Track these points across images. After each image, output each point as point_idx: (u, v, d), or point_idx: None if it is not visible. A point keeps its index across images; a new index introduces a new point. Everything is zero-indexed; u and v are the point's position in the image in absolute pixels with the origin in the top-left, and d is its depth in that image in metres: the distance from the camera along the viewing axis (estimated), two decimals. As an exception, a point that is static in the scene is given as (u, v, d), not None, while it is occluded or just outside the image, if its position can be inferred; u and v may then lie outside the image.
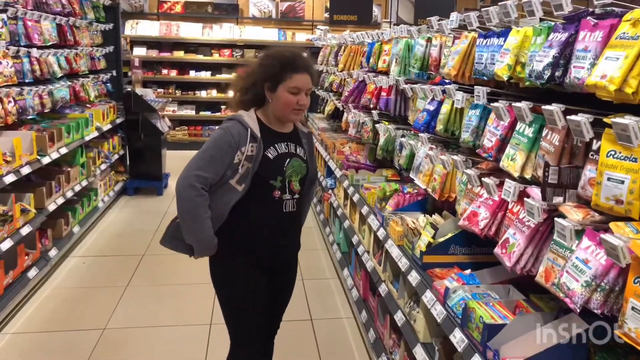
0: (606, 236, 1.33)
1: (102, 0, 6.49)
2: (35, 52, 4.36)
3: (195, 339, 3.43)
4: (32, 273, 3.84)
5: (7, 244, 3.42)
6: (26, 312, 3.69)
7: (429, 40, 2.94)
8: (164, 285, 4.23)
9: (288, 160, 2.24)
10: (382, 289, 3.04)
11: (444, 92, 2.56)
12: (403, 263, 2.62)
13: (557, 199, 1.66)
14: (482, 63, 2.15)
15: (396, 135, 3.42)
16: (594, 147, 1.52)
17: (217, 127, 8.54)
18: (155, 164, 6.60)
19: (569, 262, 1.49)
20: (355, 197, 3.81)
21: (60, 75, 4.88)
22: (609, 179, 1.39)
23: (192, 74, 9.69)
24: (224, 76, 9.70)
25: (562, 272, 1.50)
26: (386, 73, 3.81)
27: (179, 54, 9.58)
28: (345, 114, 5.05)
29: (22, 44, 4.23)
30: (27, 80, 4.26)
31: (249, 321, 2.26)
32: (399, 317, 2.69)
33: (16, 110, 3.96)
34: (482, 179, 2.03)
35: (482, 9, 2.19)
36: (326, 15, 9.92)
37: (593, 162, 1.51)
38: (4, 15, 3.85)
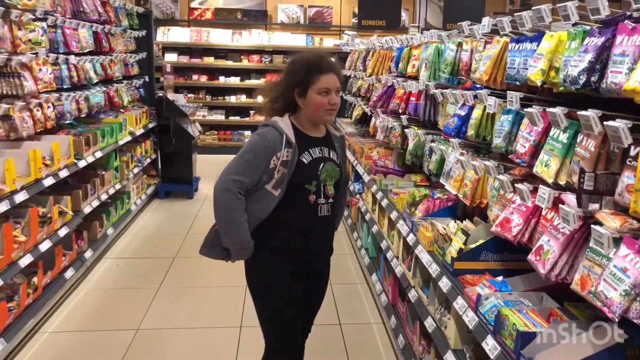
0: (645, 244, 1.31)
1: (136, 8, 6.65)
2: (73, 59, 4.50)
3: (226, 341, 3.47)
4: (68, 273, 3.95)
5: (46, 245, 3.53)
6: (63, 312, 3.80)
7: (459, 45, 2.93)
8: (195, 287, 4.30)
9: (322, 164, 2.26)
10: (412, 294, 3.03)
11: (475, 97, 2.54)
12: (433, 269, 2.61)
13: (593, 206, 1.63)
14: (514, 68, 2.14)
15: (426, 140, 3.41)
16: (632, 153, 1.50)
17: (245, 131, 8.62)
18: (186, 168, 6.71)
19: (606, 270, 1.47)
20: (384, 202, 3.81)
21: (96, 81, 5.02)
22: (648, 186, 1.37)
23: (222, 79, 9.83)
24: (252, 82, 9.81)
25: (599, 280, 1.48)
26: (415, 78, 3.81)
27: (209, 60, 9.74)
28: (373, 119, 5.05)
29: (60, 51, 4.37)
30: (65, 86, 4.40)
31: (284, 326, 2.29)
32: (429, 324, 2.68)
33: (55, 115, 4.09)
34: (516, 185, 2.01)
35: (515, 14, 2.18)
36: (354, 20, 9.95)
37: (631, 168, 1.49)
38: (44, 24, 3.98)
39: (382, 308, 3.77)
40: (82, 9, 4.94)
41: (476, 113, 2.53)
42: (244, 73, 9.87)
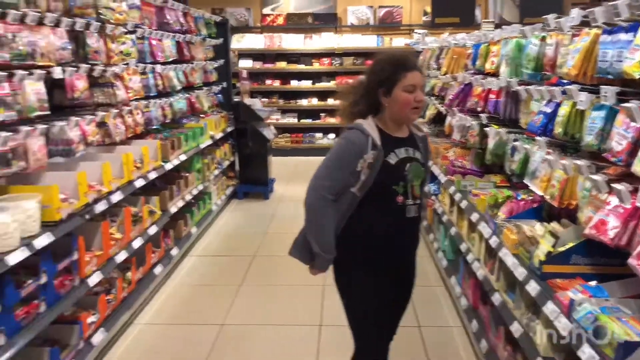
0: None
1: (214, 17, 6.92)
2: (158, 68, 4.76)
3: (306, 339, 3.55)
4: (157, 269, 4.18)
5: (138, 242, 3.76)
6: (154, 306, 4.04)
7: (542, 39, 2.84)
8: (275, 285, 4.42)
9: (409, 164, 2.27)
10: (496, 298, 2.96)
11: (564, 92, 2.45)
12: (520, 272, 2.54)
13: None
14: (607, 61, 2.04)
15: (508, 139, 3.32)
16: None
17: (316, 133, 8.73)
18: (262, 170, 6.92)
19: None
20: (463, 204, 3.74)
21: (178, 88, 5.28)
22: None
23: (294, 83, 10.02)
24: (323, 84, 9.93)
25: None
26: (494, 75, 3.71)
27: (282, 65, 9.96)
28: (448, 118, 4.97)
29: (147, 61, 4.64)
30: (151, 94, 4.66)
31: (374, 328, 2.32)
32: (515, 329, 2.60)
33: (143, 121, 4.34)
34: (612, 185, 1.93)
35: (608, 4, 2.08)
36: (424, 19, 9.82)
37: None
38: (133, 36, 4.24)
39: (462, 311, 3.71)
40: (166, 21, 5.20)
41: (564, 110, 2.44)
42: (315, 76, 10.02)
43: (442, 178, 4.53)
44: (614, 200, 1.96)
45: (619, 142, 1.95)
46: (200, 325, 3.75)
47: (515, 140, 3.20)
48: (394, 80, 2.20)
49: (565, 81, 2.57)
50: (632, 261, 1.75)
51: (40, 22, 2.95)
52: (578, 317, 1.97)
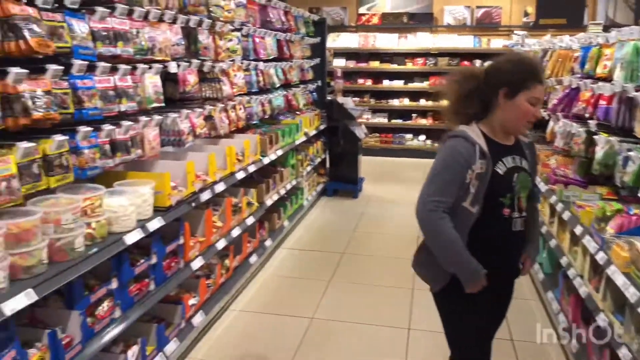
0: None
1: (312, 17, 7.06)
2: (261, 65, 4.94)
3: (394, 341, 3.55)
4: (253, 259, 4.35)
5: (237, 232, 3.94)
6: (248, 293, 4.21)
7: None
8: (363, 284, 4.45)
9: (516, 174, 2.13)
10: (601, 319, 2.77)
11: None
12: (631, 293, 2.37)
13: None
14: None
15: (620, 148, 3.12)
16: None
17: (406, 134, 8.63)
18: (352, 168, 6.98)
19: None
20: (566, 215, 3.55)
21: (277, 85, 5.45)
22: None
23: (386, 82, 9.98)
24: (416, 84, 9.82)
25: None
26: (606, 79, 3.51)
27: (375, 64, 9.96)
28: (551, 124, 4.75)
29: (250, 58, 4.83)
30: (253, 90, 4.84)
31: (474, 345, 2.23)
32: (623, 353, 2.44)
33: (245, 116, 4.53)
34: None
35: None
36: (525, 19, 9.42)
37: None
38: (239, 34, 4.44)
39: (560, 329, 3.51)
40: (268, 19, 5.39)
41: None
42: (408, 76, 9.92)
43: (543, 187, 4.33)
44: None
45: None
46: (290, 316, 3.86)
47: (629, 150, 3.01)
48: (522, 86, 2.05)
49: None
50: None
51: (160, 19, 3.18)
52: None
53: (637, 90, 2.98)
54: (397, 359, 3.36)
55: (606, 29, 4.05)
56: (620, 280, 2.51)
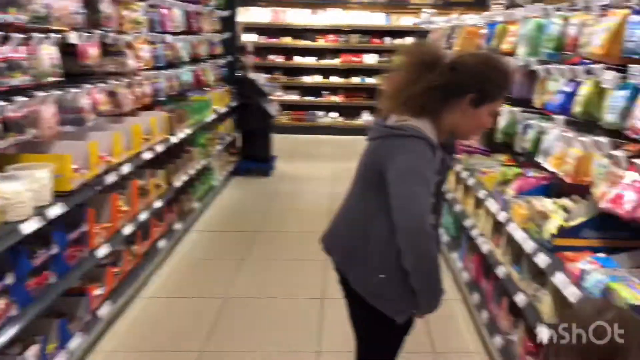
0: None
1: (223, -13, 6.79)
2: (168, 38, 4.70)
3: (308, 312, 3.61)
4: (161, 244, 4.18)
5: (144, 216, 3.75)
6: (158, 280, 4.05)
7: (565, 19, 2.82)
8: (277, 260, 4.46)
9: (447, 175, 2.05)
10: (500, 271, 3.03)
11: (588, 72, 2.45)
12: (529, 245, 2.59)
13: None
14: (634, 41, 2.04)
15: (522, 117, 3.32)
16: None
17: (318, 112, 8.55)
18: (265, 147, 6.91)
19: None
20: (471, 182, 3.76)
21: (186, 60, 5.22)
22: None
23: (297, 59, 9.91)
24: (328, 61, 9.84)
25: None
26: (510, 54, 3.69)
27: (286, 40, 9.83)
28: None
29: (157, 31, 4.57)
30: (159, 65, 4.60)
31: (392, 354, 2.10)
32: (520, 299, 2.68)
33: (151, 92, 4.29)
34: (633, 160, 1.95)
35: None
36: (433, -1, 9.72)
37: None
38: (144, 4, 4.18)
39: (463, 285, 3.79)
40: (176, -12, 5.11)
41: (584, 89, 2.44)
42: (320, 53, 9.92)
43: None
44: (631, 176, 1.98)
45: (640, 120, 1.95)
46: (203, 298, 3.78)
47: (528, 119, 3.22)
48: (492, 97, 1.88)
49: (587, 61, 2.56)
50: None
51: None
52: (588, 285, 2.02)
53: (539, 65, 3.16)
54: (312, 328, 3.41)
55: (507, 9, 4.28)
56: (518, 235, 2.74)
